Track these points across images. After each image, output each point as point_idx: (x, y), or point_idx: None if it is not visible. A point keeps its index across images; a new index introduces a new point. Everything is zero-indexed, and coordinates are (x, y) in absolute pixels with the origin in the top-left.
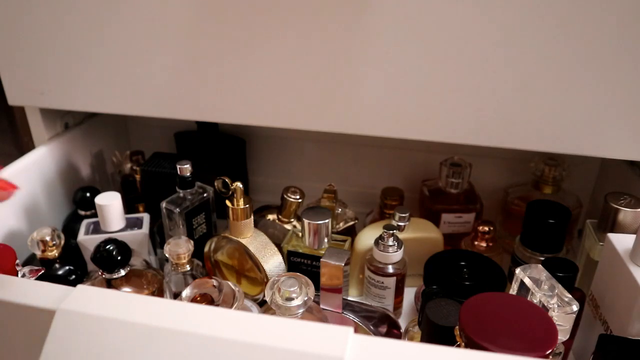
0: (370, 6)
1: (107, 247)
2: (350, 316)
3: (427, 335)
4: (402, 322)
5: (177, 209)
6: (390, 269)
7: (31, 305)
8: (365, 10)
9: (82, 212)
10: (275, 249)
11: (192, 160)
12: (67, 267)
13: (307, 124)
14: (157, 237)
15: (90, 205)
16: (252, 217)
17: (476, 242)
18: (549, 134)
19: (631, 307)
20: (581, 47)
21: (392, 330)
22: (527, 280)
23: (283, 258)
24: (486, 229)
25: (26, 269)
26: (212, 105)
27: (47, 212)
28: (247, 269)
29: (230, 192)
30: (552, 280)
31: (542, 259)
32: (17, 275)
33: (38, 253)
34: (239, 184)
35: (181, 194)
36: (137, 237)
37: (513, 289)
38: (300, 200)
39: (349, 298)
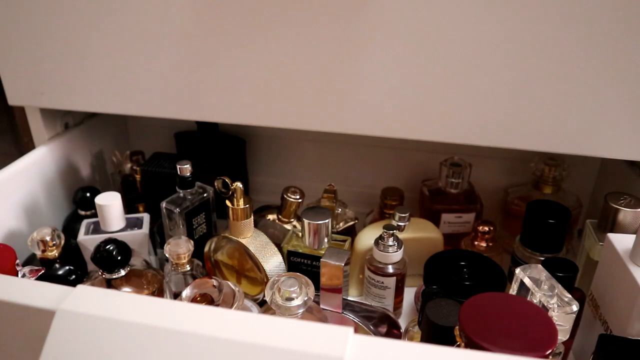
0: (369, 7)
1: (107, 247)
2: (350, 316)
3: (427, 335)
4: (402, 322)
5: (177, 209)
6: (390, 269)
7: (31, 305)
8: (365, 11)
9: (82, 212)
10: (275, 249)
11: (192, 160)
12: (67, 267)
13: (307, 124)
14: (157, 237)
15: (90, 205)
16: (252, 217)
17: (476, 242)
18: (549, 134)
19: (631, 307)
20: (581, 47)
21: (392, 330)
22: (527, 280)
23: (283, 258)
24: (486, 229)
25: (26, 269)
26: (212, 105)
27: (47, 212)
28: (247, 269)
29: (230, 192)
30: (552, 280)
31: (542, 259)
32: (17, 275)
33: (38, 253)
34: (239, 184)
35: (181, 194)
36: (137, 237)
37: (513, 289)
38: (300, 200)
39: (349, 298)
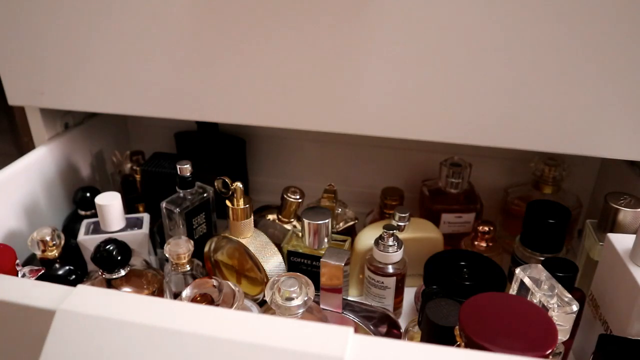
0: (369, 7)
1: (107, 247)
2: (350, 316)
3: (427, 335)
4: (402, 322)
5: (177, 209)
6: (390, 269)
7: (31, 305)
8: (365, 11)
9: (82, 212)
10: (275, 249)
11: (192, 160)
12: (67, 267)
13: (307, 124)
14: (157, 237)
15: (90, 205)
16: (252, 217)
17: (476, 242)
18: (549, 134)
19: (631, 307)
20: (581, 47)
21: (392, 330)
22: (527, 280)
23: (283, 258)
24: (486, 229)
25: (26, 269)
26: (212, 105)
27: (47, 212)
28: (247, 269)
29: (230, 192)
30: (552, 280)
31: (542, 259)
32: (17, 275)
33: (38, 253)
34: (239, 184)
35: (181, 194)
36: (137, 237)
37: (513, 289)
38: (300, 200)
39: (349, 298)
